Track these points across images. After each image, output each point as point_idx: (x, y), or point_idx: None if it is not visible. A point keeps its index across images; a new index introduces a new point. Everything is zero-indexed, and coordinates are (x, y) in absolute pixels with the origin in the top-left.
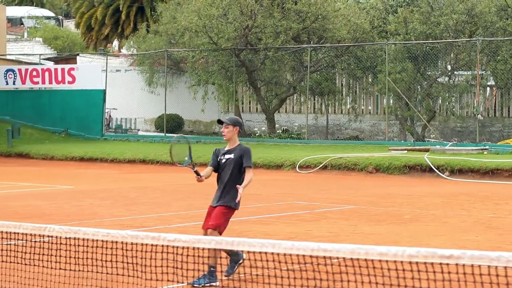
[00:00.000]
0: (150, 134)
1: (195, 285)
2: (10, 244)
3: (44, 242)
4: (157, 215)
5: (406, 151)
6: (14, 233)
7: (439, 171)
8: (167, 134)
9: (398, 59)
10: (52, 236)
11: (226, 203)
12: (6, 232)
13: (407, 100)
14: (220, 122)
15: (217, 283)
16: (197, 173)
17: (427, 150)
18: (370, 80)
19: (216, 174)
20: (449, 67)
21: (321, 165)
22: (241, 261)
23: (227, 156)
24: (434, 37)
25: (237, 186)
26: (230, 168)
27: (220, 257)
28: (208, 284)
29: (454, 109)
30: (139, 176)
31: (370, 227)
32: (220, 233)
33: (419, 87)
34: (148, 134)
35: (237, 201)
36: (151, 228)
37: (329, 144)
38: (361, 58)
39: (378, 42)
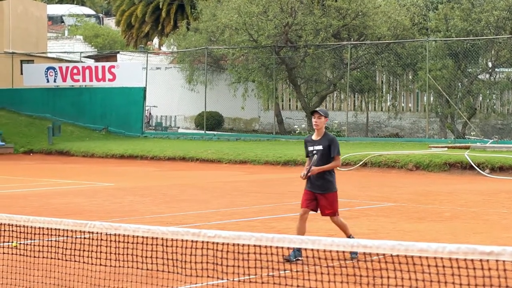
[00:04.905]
0: (190, 132)
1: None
2: (51, 241)
3: (85, 238)
4: (197, 212)
5: (446, 149)
6: (55, 229)
7: (480, 168)
8: (207, 132)
9: (439, 56)
10: (93, 233)
11: (333, 190)
12: (48, 228)
13: (447, 97)
14: (313, 112)
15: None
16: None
17: (467, 148)
18: (410, 77)
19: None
20: (490, 64)
21: (361, 163)
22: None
23: (316, 147)
24: (475, 34)
25: (313, 167)
26: (320, 158)
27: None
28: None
29: (495, 106)
30: (179, 173)
31: (410, 224)
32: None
33: (459, 84)
34: (188, 132)
35: (302, 174)
36: (190, 225)
37: (369, 142)
38: (402, 55)
39: (418, 39)
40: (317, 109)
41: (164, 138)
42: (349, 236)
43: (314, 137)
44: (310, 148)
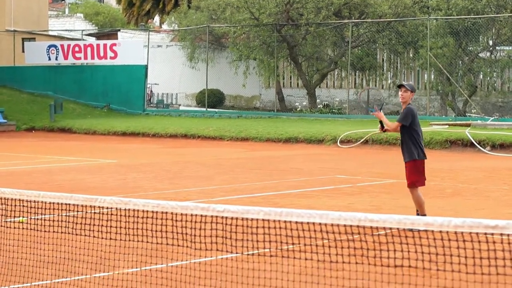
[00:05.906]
0: (192, 109)
1: None
2: (61, 215)
3: (94, 213)
4: (200, 189)
5: (447, 126)
6: (66, 204)
7: (481, 146)
8: (208, 109)
9: (440, 34)
10: (102, 207)
11: (406, 159)
12: (58, 203)
13: (448, 75)
14: (400, 86)
15: None
16: (381, 123)
17: (468, 125)
18: (411, 55)
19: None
20: (490, 42)
21: (362, 140)
22: None
23: None
24: (476, 12)
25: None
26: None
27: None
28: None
29: (495, 84)
30: (181, 150)
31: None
32: (416, 186)
33: (460, 62)
34: (189, 109)
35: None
36: (194, 201)
37: (370, 119)
38: (402, 33)
39: (419, 18)
40: (404, 83)
41: (165, 116)
42: (421, 215)
43: (402, 110)
44: None
